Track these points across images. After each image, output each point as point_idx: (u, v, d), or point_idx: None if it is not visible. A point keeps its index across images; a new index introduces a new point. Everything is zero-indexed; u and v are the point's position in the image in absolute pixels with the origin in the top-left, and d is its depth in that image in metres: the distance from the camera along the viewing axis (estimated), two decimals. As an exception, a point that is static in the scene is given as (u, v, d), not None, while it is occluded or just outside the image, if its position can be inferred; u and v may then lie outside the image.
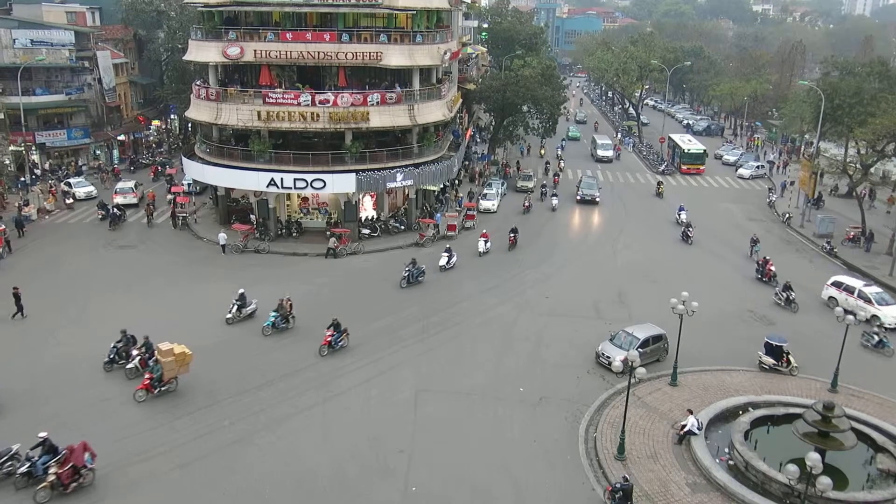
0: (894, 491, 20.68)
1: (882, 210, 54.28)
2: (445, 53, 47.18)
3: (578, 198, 56.14)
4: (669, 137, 74.74)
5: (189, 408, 25.07)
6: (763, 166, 69.48)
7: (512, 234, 44.08)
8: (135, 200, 50.57)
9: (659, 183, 60.89)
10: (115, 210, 46.68)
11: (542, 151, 73.64)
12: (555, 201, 53.95)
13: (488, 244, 42.67)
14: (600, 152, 74.06)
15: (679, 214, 50.19)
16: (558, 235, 47.99)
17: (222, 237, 41.70)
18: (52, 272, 37.73)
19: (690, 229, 46.44)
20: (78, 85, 60.50)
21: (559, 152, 73.21)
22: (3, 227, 41.29)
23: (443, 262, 39.26)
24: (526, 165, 66.77)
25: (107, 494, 20.49)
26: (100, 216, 46.95)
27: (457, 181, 56.51)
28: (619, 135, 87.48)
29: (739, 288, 38.60)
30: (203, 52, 43.56)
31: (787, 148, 79.08)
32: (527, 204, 52.90)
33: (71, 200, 50.10)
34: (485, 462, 22.54)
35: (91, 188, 52.44)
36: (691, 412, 23.89)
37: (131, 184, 52.54)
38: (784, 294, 35.97)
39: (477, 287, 37.26)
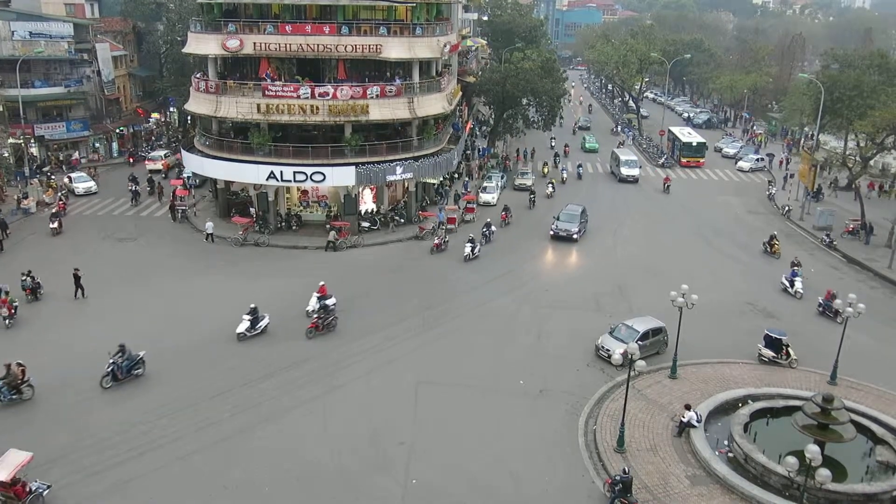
0: (893, 483, 20.78)
1: (882, 202, 54.25)
2: (445, 46, 47.07)
3: (552, 233, 43.90)
4: (669, 130, 74.71)
5: None
6: (763, 159, 69.39)
7: (316, 315, 30.04)
8: (162, 167, 57.33)
9: (772, 238, 43.06)
10: (136, 188, 49.88)
11: (546, 170, 61.90)
12: (468, 249, 39.29)
13: (327, 301, 30.73)
14: (624, 171, 60.39)
15: (792, 281, 36.50)
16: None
17: (209, 226, 41.89)
18: (45, 269, 35.96)
19: (836, 301, 31.89)
20: (77, 77, 60.28)
21: (564, 175, 59.86)
22: None
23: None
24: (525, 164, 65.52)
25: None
26: (130, 188, 50.18)
27: (456, 174, 56.42)
28: (619, 127, 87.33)
29: (741, 281, 38.57)
30: (202, 44, 43.43)
31: (788, 141, 78.88)
32: (438, 241, 40.87)
33: (63, 200, 46.93)
34: (485, 454, 22.59)
35: (91, 183, 52.07)
36: (689, 407, 23.96)
37: (162, 152, 60.11)
38: None
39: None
